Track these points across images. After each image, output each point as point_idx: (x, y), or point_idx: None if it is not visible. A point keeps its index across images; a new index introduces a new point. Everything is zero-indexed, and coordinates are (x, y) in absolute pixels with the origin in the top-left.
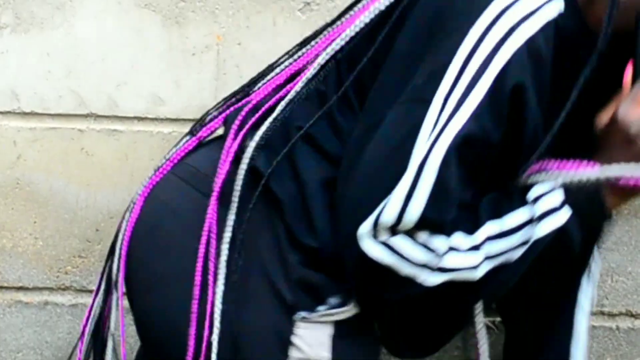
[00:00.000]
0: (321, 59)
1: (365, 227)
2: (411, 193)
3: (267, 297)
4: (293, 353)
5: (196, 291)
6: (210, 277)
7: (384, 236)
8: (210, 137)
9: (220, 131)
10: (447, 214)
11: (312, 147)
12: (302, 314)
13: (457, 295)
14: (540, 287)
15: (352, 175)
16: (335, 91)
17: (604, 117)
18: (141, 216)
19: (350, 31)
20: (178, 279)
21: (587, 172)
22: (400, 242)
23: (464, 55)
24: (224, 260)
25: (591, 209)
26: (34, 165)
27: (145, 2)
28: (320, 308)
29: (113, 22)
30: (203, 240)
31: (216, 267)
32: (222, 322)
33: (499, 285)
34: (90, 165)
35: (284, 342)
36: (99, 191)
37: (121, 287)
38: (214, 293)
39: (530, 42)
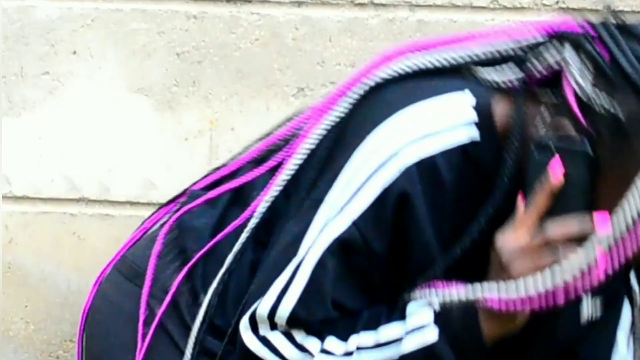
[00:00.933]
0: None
1: (246, 319)
2: (286, 290)
3: None
4: None
5: None
6: None
7: (263, 330)
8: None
9: None
10: (318, 314)
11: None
12: None
13: None
14: None
15: (260, 268)
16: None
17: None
18: (90, 312)
19: (296, 160)
20: None
21: (456, 291)
22: (277, 338)
23: (358, 162)
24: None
25: (464, 332)
26: (26, 249)
27: (138, 86)
28: None
29: (105, 107)
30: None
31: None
32: None
33: None
34: (82, 249)
35: None
36: (90, 275)
37: None
38: None
39: (424, 161)
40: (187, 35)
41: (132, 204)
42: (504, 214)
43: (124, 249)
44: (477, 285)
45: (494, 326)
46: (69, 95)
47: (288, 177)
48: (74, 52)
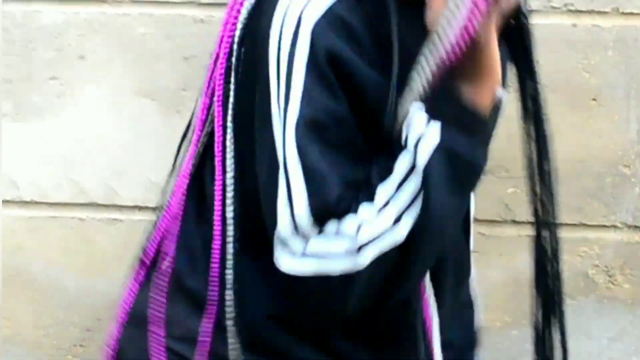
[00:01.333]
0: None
1: (276, 251)
2: (290, 197)
3: None
4: None
5: None
6: None
7: (299, 248)
8: None
9: None
10: (332, 194)
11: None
12: None
13: (400, 273)
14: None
15: (264, 210)
16: None
17: None
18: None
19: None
20: None
21: (420, 77)
22: (316, 244)
23: (273, 57)
24: None
25: (454, 109)
26: (34, 254)
27: (145, 91)
28: None
29: (112, 111)
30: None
31: None
32: None
33: (434, 231)
34: (90, 254)
35: None
36: (98, 280)
37: None
38: None
39: (325, 15)
40: (194, 39)
41: (140, 208)
42: (417, 14)
43: (127, 303)
44: (426, 52)
45: (475, 89)
46: (76, 100)
47: (234, 174)
48: (81, 57)
